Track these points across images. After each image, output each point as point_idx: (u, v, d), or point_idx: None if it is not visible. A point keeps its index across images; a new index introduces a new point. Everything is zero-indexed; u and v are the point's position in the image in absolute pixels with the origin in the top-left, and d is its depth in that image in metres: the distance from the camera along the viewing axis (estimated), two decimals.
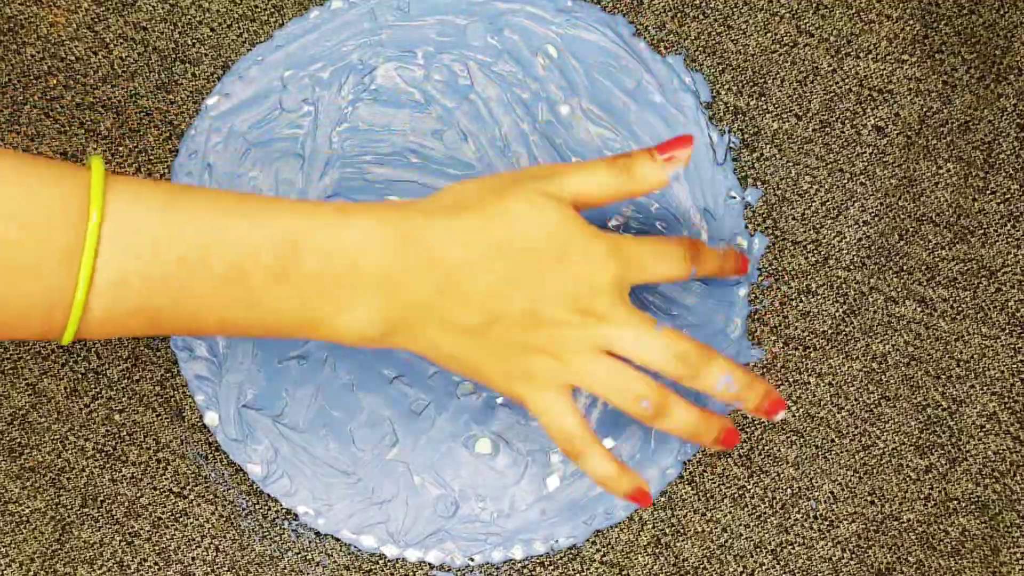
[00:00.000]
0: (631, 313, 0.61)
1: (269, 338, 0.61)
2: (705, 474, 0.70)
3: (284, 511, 0.70)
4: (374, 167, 0.70)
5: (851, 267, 0.70)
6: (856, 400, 0.70)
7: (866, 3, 0.70)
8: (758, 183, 0.70)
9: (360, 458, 0.70)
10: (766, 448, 0.70)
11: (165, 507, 0.69)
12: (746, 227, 0.70)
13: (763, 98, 0.70)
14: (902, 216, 0.70)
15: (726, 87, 0.70)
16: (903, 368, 0.70)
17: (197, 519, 0.69)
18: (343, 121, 0.70)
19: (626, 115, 0.70)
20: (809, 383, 0.70)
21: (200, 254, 0.56)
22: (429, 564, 0.69)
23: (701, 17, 0.70)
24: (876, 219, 0.70)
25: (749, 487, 0.70)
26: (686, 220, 0.70)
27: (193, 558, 0.69)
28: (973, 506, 0.70)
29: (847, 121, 0.70)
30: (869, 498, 0.70)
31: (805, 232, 0.70)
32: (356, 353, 0.70)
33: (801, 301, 0.70)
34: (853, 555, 0.70)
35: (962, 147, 0.70)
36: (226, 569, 0.69)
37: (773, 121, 0.70)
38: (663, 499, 0.70)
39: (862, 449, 0.70)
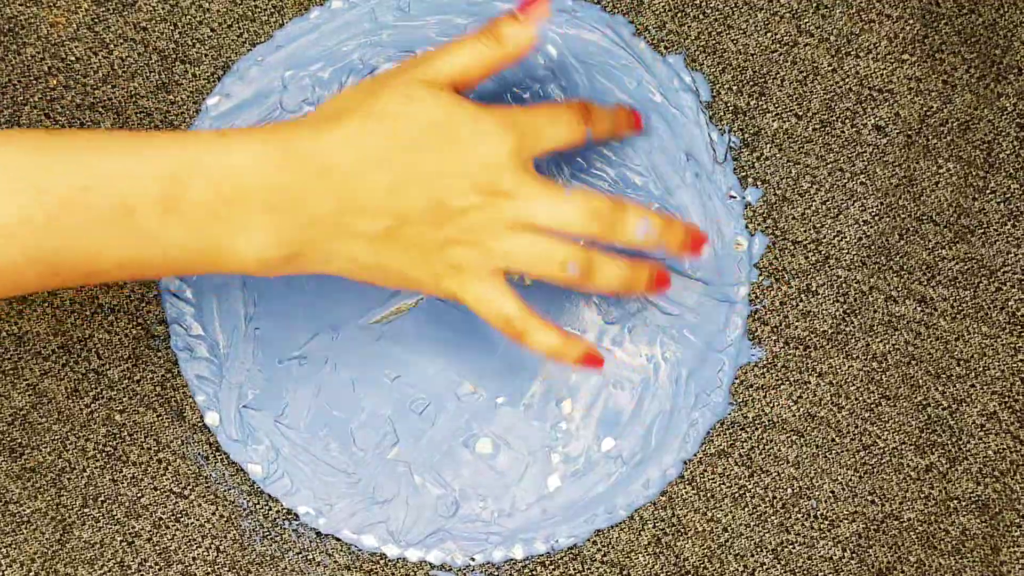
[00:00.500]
0: (537, 183, 0.61)
1: (179, 275, 0.60)
2: (706, 474, 0.70)
3: (285, 511, 0.70)
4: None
5: (851, 266, 0.70)
6: (856, 399, 0.70)
7: (866, 3, 0.70)
8: (758, 183, 0.70)
9: (361, 458, 0.70)
10: (766, 447, 0.70)
11: (166, 507, 0.69)
12: (746, 227, 0.70)
13: (763, 98, 0.70)
14: (902, 215, 0.70)
15: (726, 87, 0.70)
16: (903, 367, 0.70)
17: (198, 519, 0.69)
18: None
19: None
20: (809, 383, 0.70)
21: (82, 194, 0.56)
22: (430, 564, 0.69)
23: (701, 17, 0.70)
24: (876, 218, 0.70)
25: (750, 486, 0.70)
26: (686, 219, 0.70)
27: (194, 558, 0.69)
28: (973, 505, 0.70)
29: (847, 121, 0.70)
30: (869, 497, 0.70)
31: (805, 232, 0.70)
32: (357, 353, 0.70)
33: (801, 301, 0.70)
34: (854, 554, 0.70)
35: (962, 146, 0.70)
36: (227, 569, 0.69)
37: (773, 121, 0.70)
38: (664, 499, 0.70)
39: (862, 448, 0.70)
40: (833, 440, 0.70)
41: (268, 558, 0.69)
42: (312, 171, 0.58)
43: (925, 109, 0.70)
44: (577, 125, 0.63)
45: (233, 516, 0.69)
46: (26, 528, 0.69)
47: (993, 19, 0.70)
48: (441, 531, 0.69)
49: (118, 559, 0.69)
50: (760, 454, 0.70)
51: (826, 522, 0.70)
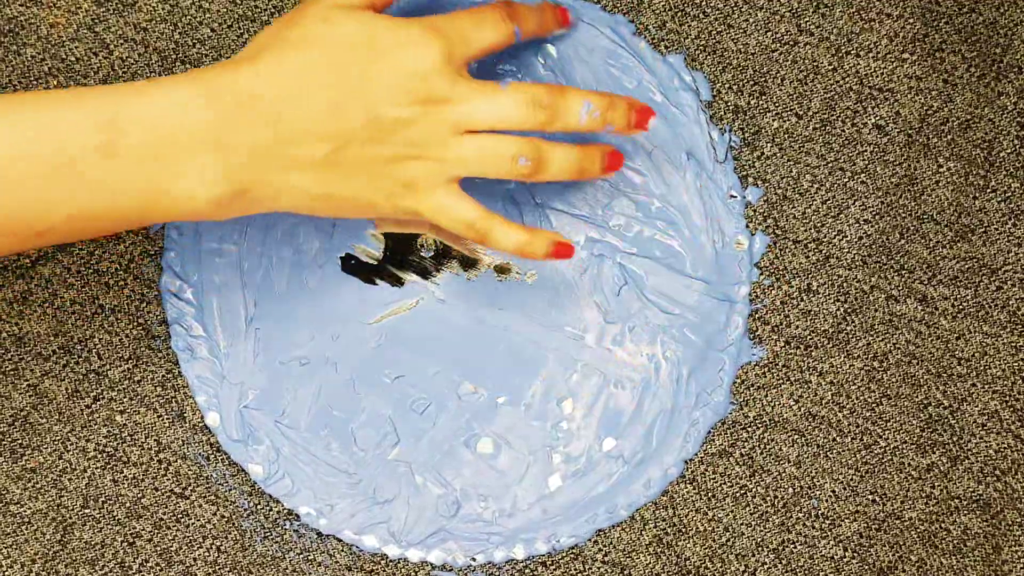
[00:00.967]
0: (472, 84, 0.61)
1: (132, 227, 0.60)
2: (707, 473, 0.70)
3: (286, 511, 0.70)
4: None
5: (852, 266, 0.70)
6: (857, 399, 0.70)
7: (866, 2, 0.70)
8: (759, 182, 0.70)
9: (362, 458, 0.70)
10: (768, 447, 0.70)
11: (167, 508, 0.69)
12: (747, 226, 0.70)
13: (764, 97, 0.70)
14: (903, 214, 0.70)
15: (727, 86, 0.70)
16: (904, 367, 0.70)
17: (199, 520, 0.69)
18: None
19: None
20: (810, 382, 0.70)
21: (23, 148, 0.57)
22: (431, 564, 0.69)
23: (701, 16, 0.70)
24: (877, 218, 0.70)
25: (751, 486, 0.70)
26: (687, 219, 0.70)
27: (195, 559, 0.69)
28: (975, 504, 0.70)
29: (848, 120, 0.70)
30: (871, 497, 0.70)
31: (806, 231, 0.70)
32: (358, 353, 0.70)
33: (802, 300, 0.70)
34: (855, 554, 0.70)
35: (963, 145, 0.70)
36: (228, 570, 0.69)
37: (774, 120, 0.70)
38: (665, 498, 0.70)
39: (863, 448, 0.70)
40: (834, 439, 0.70)
41: (269, 559, 0.69)
42: (243, 105, 0.59)
43: (925, 108, 0.70)
44: (503, 24, 0.63)
45: (234, 516, 0.69)
46: (27, 529, 0.69)
47: (993, 18, 0.70)
48: (442, 531, 0.69)
49: (119, 560, 0.69)
50: (761, 454, 0.70)
51: (827, 521, 0.70)
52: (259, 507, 0.69)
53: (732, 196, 0.70)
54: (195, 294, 0.69)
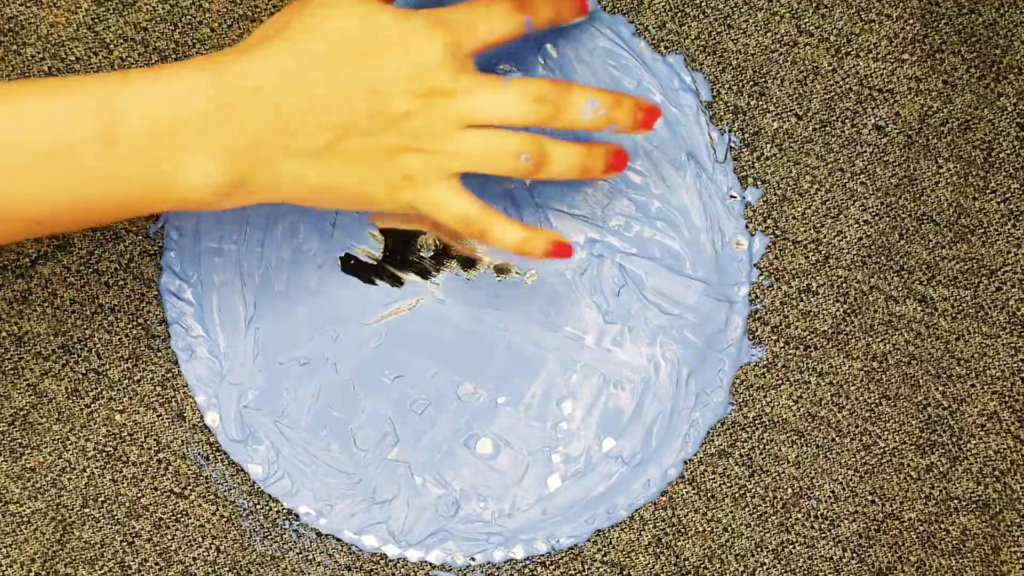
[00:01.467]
0: (476, 78, 0.60)
1: (133, 215, 0.60)
2: (706, 474, 0.70)
3: (285, 511, 0.70)
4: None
5: (851, 266, 0.70)
6: (857, 399, 0.70)
7: (866, 2, 0.70)
8: (758, 183, 0.70)
9: (361, 458, 0.70)
10: (767, 448, 0.70)
11: (166, 508, 0.69)
12: (746, 227, 0.70)
13: (763, 98, 0.70)
14: (902, 215, 0.70)
15: (726, 87, 0.70)
16: (904, 367, 0.70)
17: (198, 519, 0.69)
18: None
19: None
20: (810, 383, 0.70)
21: (21, 134, 0.57)
22: (430, 564, 0.69)
23: (701, 17, 0.70)
24: (876, 218, 0.70)
25: (750, 487, 0.70)
26: (687, 219, 0.70)
27: (194, 558, 0.69)
28: (974, 505, 0.70)
29: (847, 120, 0.70)
30: (870, 497, 0.70)
31: (805, 231, 0.70)
32: (357, 353, 0.70)
33: (802, 300, 0.70)
34: (854, 554, 0.70)
35: (962, 146, 0.70)
36: (227, 569, 0.69)
37: (773, 120, 0.70)
38: (664, 499, 0.70)
39: (863, 448, 0.70)
40: (833, 440, 0.70)
41: (268, 558, 0.69)
42: (244, 93, 0.59)
43: (925, 109, 0.70)
44: (513, 15, 0.62)
45: (233, 516, 0.69)
46: (26, 528, 0.69)
47: (993, 19, 0.70)
48: (442, 531, 0.69)
49: (118, 559, 0.69)
50: (760, 454, 0.70)
51: (826, 522, 0.70)
52: (259, 507, 0.70)
53: (732, 197, 0.70)
54: (195, 294, 0.69)
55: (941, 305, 0.70)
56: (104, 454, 0.69)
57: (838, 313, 0.70)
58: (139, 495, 0.69)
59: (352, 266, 0.70)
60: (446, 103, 0.60)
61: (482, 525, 0.69)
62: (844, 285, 0.70)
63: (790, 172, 0.70)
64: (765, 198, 0.70)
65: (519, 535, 0.69)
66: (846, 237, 0.70)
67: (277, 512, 0.70)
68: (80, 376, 0.69)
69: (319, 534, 0.69)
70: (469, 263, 0.70)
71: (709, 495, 0.70)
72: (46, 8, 0.70)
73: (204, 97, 0.59)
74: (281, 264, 0.70)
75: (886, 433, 0.70)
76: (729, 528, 0.70)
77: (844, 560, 0.70)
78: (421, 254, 0.70)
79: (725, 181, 0.70)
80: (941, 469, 0.70)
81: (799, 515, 0.70)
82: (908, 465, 0.70)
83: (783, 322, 0.70)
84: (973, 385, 0.70)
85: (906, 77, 0.70)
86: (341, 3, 0.60)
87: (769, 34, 0.70)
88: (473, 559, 0.69)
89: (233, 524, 0.69)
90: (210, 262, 0.70)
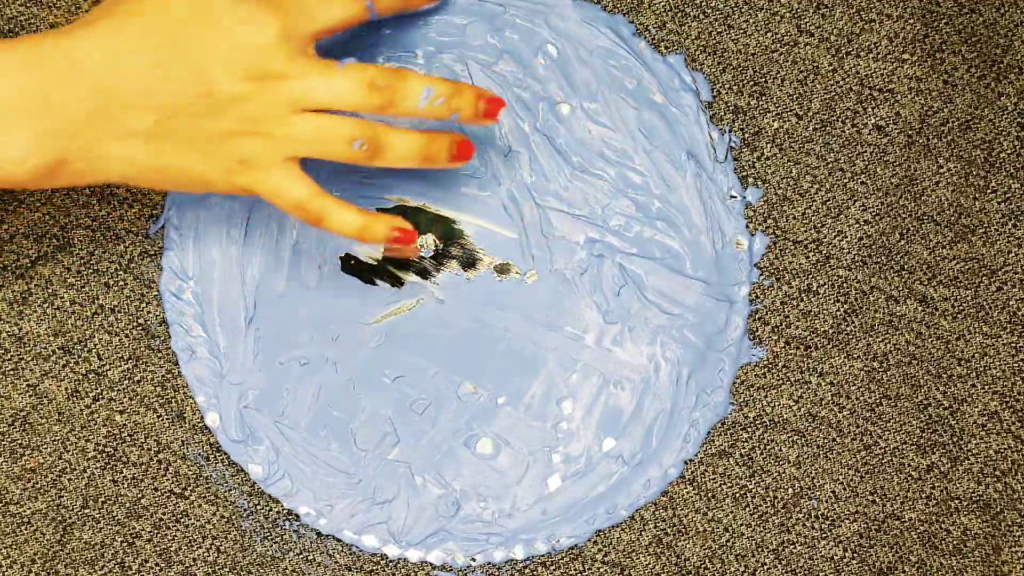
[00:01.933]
0: (310, 62, 0.60)
1: None
2: (707, 474, 0.70)
3: (285, 512, 0.70)
4: (375, 167, 0.70)
5: (852, 266, 0.70)
6: (857, 399, 0.70)
7: (866, 2, 0.70)
8: (759, 182, 0.70)
9: (361, 458, 0.70)
10: (767, 448, 0.70)
11: (166, 508, 0.69)
12: (747, 226, 0.70)
13: (764, 97, 0.70)
14: (903, 215, 0.70)
15: (727, 86, 0.70)
16: (904, 367, 0.70)
17: (198, 520, 0.69)
18: None
19: (626, 115, 0.70)
20: (810, 383, 0.70)
21: None
22: (431, 564, 0.69)
23: (701, 17, 0.70)
24: (877, 218, 0.70)
25: (751, 487, 0.70)
26: (687, 219, 0.70)
27: (194, 559, 0.69)
28: (975, 505, 0.69)
29: (848, 120, 0.70)
30: (871, 497, 0.70)
31: (806, 231, 0.70)
32: (357, 353, 0.70)
33: (802, 300, 0.70)
34: (855, 554, 0.70)
35: (963, 146, 0.70)
36: (227, 570, 0.69)
37: (774, 120, 0.70)
38: (664, 499, 0.70)
39: (863, 448, 0.70)
40: (834, 440, 0.70)
41: (269, 559, 0.69)
42: (63, 69, 0.58)
43: (925, 109, 0.70)
44: (355, 1, 0.62)
45: (234, 517, 0.69)
46: (26, 529, 0.69)
47: (993, 18, 0.70)
48: (442, 531, 0.69)
49: (118, 560, 0.69)
50: (761, 454, 0.70)
51: (827, 522, 0.70)
52: (259, 507, 0.69)
53: (732, 196, 0.70)
54: (195, 294, 0.70)
55: (942, 305, 0.70)
56: (104, 455, 0.69)
57: (838, 313, 0.70)
58: (139, 496, 0.69)
59: (352, 266, 0.70)
60: (278, 86, 0.59)
61: (482, 525, 0.69)
62: (844, 285, 0.70)
63: (790, 172, 0.70)
64: (765, 198, 0.70)
65: (519, 535, 0.69)
66: (846, 237, 0.70)
67: (277, 512, 0.70)
68: (80, 377, 0.69)
69: (319, 534, 0.69)
70: (469, 263, 0.70)
71: (709, 495, 0.70)
72: (46, 8, 0.70)
73: (21, 74, 0.57)
74: (281, 264, 0.70)
75: (887, 433, 0.70)
76: (730, 528, 0.70)
77: (845, 560, 0.69)
78: (421, 254, 0.70)
79: (725, 181, 0.70)
80: (942, 469, 0.70)
81: (800, 515, 0.70)
82: (909, 465, 0.70)
83: (783, 322, 0.70)
84: (974, 385, 0.70)
85: (906, 77, 0.70)
86: None
87: (769, 34, 0.70)
88: (473, 559, 0.69)
89: (233, 524, 0.69)
90: (210, 262, 0.70)
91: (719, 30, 0.70)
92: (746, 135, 0.70)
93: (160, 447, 0.69)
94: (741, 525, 0.70)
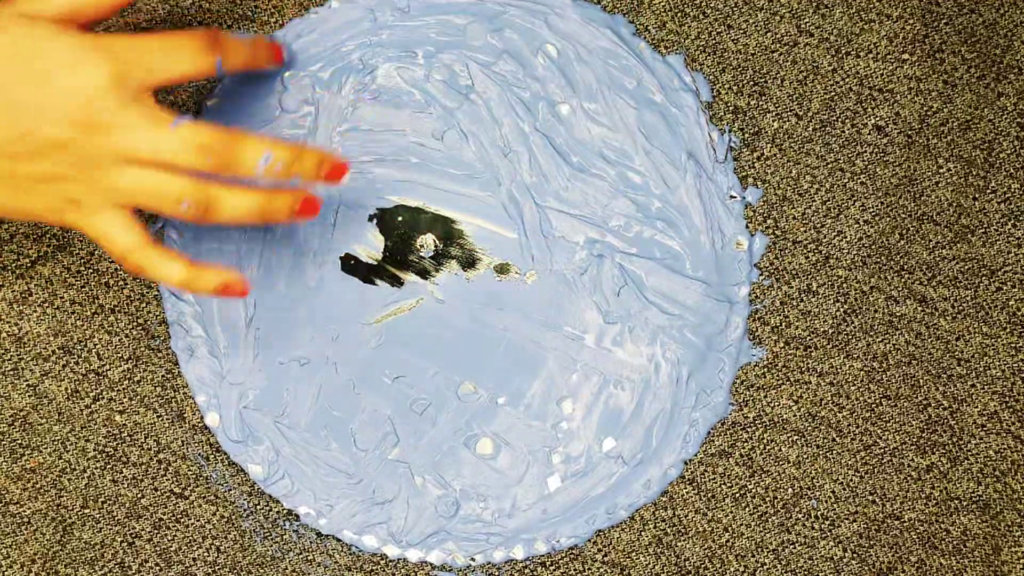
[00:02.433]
0: (142, 114, 0.58)
1: None
2: (706, 474, 0.70)
3: (285, 512, 0.70)
4: (375, 167, 0.70)
5: (852, 266, 0.70)
6: (857, 399, 0.70)
7: (866, 2, 0.70)
8: (758, 183, 0.70)
9: (361, 458, 0.70)
10: (767, 448, 0.70)
11: (166, 508, 0.69)
12: (747, 226, 0.70)
13: (763, 98, 0.70)
14: (903, 215, 0.70)
15: (726, 87, 0.70)
16: (904, 367, 0.70)
17: (198, 520, 0.69)
18: (344, 121, 0.70)
19: (626, 115, 0.70)
20: (810, 383, 0.70)
21: None
22: (431, 564, 0.69)
23: (701, 17, 0.70)
24: (877, 218, 0.70)
25: (750, 487, 0.70)
26: (687, 219, 0.70)
27: (194, 559, 0.69)
28: (974, 505, 0.70)
29: (847, 120, 0.70)
30: (870, 497, 0.70)
31: (806, 231, 0.70)
32: (357, 353, 0.70)
33: (802, 301, 0.70)
34: (855, 554, 0.70)
35: (963, 146, 0.70)
36: (227, 570, 0.69)
37: (773, 121, 0.70)
38: (664, 499, 0.70)
39: (863, 448, 0.70)
40: (834, 440, 0.70)
41: (269, 559, 0.69)
42: None
43: (925, 109, 0.70)
44: (201, 55, 0.60)
45: (234, 517, 0.69)
46: (26, 529, 0.69)
47: (993, 19, 0.70)
48: (442, 531, 0.69)
49: (118, 560, 0.69)
50: (761, 454, 0.70)
51: (827, 522, 0.70)
52: (259, 507, 0.69)
53: (732, 197, 0.70)
54: (195, 294, 0.70)
55: (941, 305, 0.70)
56: (104, 455, 0.69)
57: (838, 313, 0.70)
58: (139, 496, 0.69)
59: (352, 266, 0.70)
60: (104, 137, 0.58)
61: (482, 525, 0.69)
62: (844, 285, 0.70)
63: (790, 172, 0.70)
64: (765, 198, 0.70)
65: (519, 535, 0.69)
66: (846, 237, 0.70)
67: (277, 512, 0.70)
68: (80, 377, 0.69)
69: (319, 534, 0.69)
70: (469, 263, 0.70)
71: (709, 495, 0.70)
72: None
73: None
74: (281, 264, 0.70)
75: (886, 433, 0.70)
76: (729, 528, 0.70)
77: (844, 560, 0.70)
78: (421, 254, 0.70)
79: (725, 181, 0.70)
80: (941, 469, 0.70)
81: (799, 515, 0.70)
82: (908, 465, 0.70)
83: (783, 322, 0.70)
84: (973, 385, 0.70)
85: (906, 77, 0.70)
86: (13, 23, 0.58)
87: (769, 34, 0.70)
88: (473, 559, 0.69)
89: (233, 524, 0.69)
90: (210, 262, 0.70)
91: (719, 30, 0.70)
92: (746, 135, 0.70)
93: (160, 447, 0.69)
94: (741, 525, 0.70)
